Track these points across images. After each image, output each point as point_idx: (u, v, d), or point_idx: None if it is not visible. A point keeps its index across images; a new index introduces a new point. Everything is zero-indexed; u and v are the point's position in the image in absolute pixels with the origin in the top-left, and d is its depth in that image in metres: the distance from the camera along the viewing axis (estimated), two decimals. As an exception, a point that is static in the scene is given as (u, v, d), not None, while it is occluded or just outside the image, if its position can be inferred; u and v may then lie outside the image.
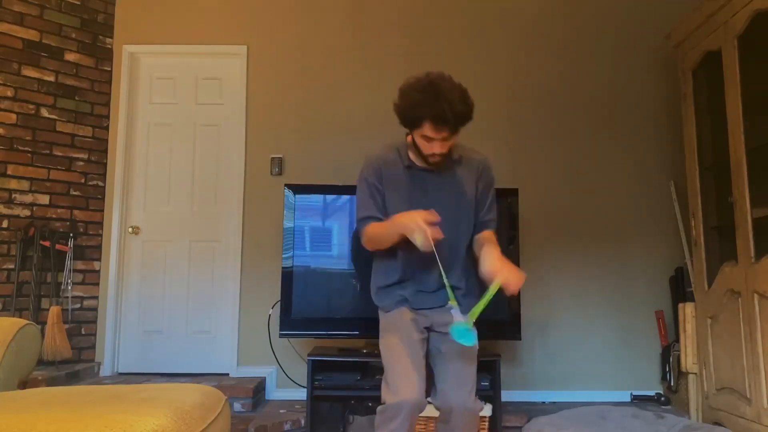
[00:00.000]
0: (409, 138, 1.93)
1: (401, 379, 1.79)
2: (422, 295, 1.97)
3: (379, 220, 1.91)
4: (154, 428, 1.24)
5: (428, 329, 1.98)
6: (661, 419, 2.80)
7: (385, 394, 1.81)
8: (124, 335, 3.71)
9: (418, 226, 1.68)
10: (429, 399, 1.85)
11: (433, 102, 1.73)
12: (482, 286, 1.85)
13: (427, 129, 1.78)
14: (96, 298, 3.70)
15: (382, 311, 2.03)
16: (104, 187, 3.80)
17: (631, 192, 3.76)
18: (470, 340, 1.69)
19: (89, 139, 3.76)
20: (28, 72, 3.55)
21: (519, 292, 3.19)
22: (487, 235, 1.96)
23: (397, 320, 1.95)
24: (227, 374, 3.61)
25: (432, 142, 1.82)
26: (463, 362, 1.87)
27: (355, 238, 3.25)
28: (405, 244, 1.82)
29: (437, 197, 1.92)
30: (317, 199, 3.29)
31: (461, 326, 1.70)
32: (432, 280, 1.94)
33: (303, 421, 3.03)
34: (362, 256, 3.25)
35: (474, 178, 1.99)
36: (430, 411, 2.68)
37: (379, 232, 1.88)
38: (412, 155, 1.95)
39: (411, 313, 1.95)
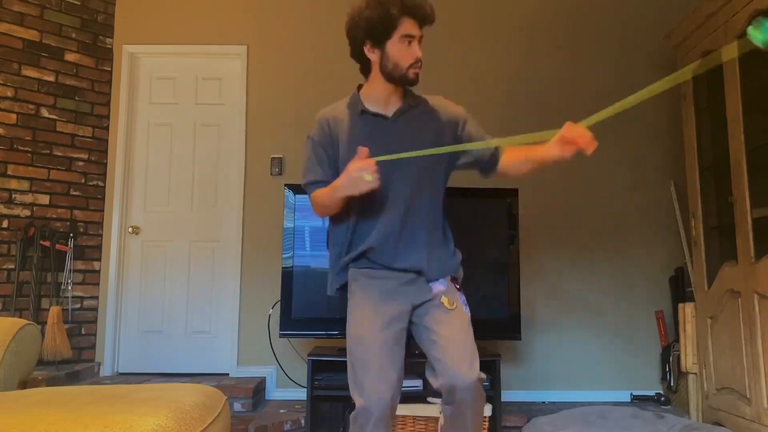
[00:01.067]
0: (365, 89, 1.79)
1: (370, 377, 1.62)
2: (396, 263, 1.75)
3: (326, 184, 1.71)
4: (154, 428, 1.24)
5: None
6: (661, 419, 2.80)
7: (354, 396, 1.64)
8: (124, 335, 3.71)
9: (356, 170, 1.54)
10: (429, 378, 1.70)
11: None
12: (455, 257, 1.81)
13: (407, 25, 1.67)
14: (96, 298, 3.70)
15: (349, 292, 1.80)
16: (104, 187, 3.80)
17: (631, 192, 3.76)
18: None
19: (89, 139, 3.76)
20: (28, 72, 3.55)
21: (518, 293, 3.23)
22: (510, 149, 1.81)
23: (368, 301, 1.73)
24: (227, 374, 3.61)
25: (412, 44, 1.69)
26: (457, 332, 1.68)
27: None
28: (359, 204, 1.70)
29: (399, 147, 1.68)
30: (317, 199, 3.28)
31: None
32: (406, 243, 1.74)
33: (303, 421, 3.03)
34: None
35: (445, 126, 1.80)
36: (431, 411, 2.69)
37: (323, 199, 1.71)
38: (366, 101, 1.78)
39: (394, 278, 1.74)
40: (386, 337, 1.66)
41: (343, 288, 1.84)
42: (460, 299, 1.76)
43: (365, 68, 1.79)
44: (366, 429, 1.59)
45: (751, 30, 1.31)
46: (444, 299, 1.72)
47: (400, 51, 1.69)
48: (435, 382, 1.68)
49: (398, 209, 1.73)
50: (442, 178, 1.83)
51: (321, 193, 1.72)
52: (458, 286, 1.81)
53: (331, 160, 1.77)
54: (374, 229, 1.74)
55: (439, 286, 1.74)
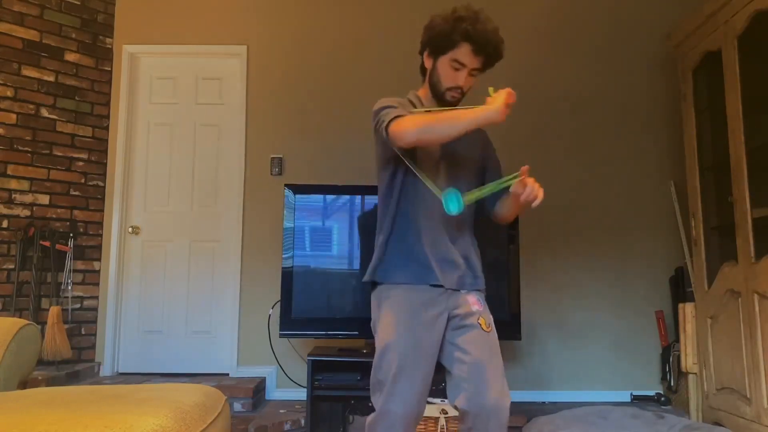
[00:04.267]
0: (420, 92, 1.81)
1: (402, 384, 1.57)
2: (446, 266, 1.69)
3: None
4: (154, 428, 1.24)
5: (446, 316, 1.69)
6: (661, 419, 2.80)
7: (377, 401, 1.60)
8: (124, 335, 3.71)
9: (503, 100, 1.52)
10: (447, 401, 1.65)
11: (475, 22, 1.62)
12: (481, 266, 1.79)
13: (463, 52, 1.65)
14: (96, 298, 3.70)
15: (384, 288, 1.71)
16: (104, 187, 3.80)
17: (631, 192, 3.76)
18: (454, 205, 1.49)
19: (89, 139, 3.76)
20: (28, 72, 3.55)
21: (518, 293, 3.23)
22: None
23: (408, 301, 1.65)
24: (227, 374, 3.61)
25: (460, 72, 1.68)
26: (493, 356, 1.62)
27: (363, 231, 3.24)
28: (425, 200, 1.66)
29: (456, 149, 1.71)
30: (317, 199, 3.29)
31: (452, 192, 1.49)
32: (457, 244, 1.71)
33: (303, 421, 3.03)
34: (367, 251, 3.25)
35: (478, 138, 1.84)
36: (431, 411, 2.69)
37: (444, 116, 1.54)
38: (426, 103, 1.78)
39: (429, 292, 1.66)
40: (421, 341, 1.61)
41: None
42: (492, 321, 1.71)
43: (422, 71, 1.82)
44: None
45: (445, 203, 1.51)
46: (482, 320, 1.67)
47: (446, 71, 1.71)
48: (458, 402, 1.60)
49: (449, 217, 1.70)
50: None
51: (440, 117, 1.56)
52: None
53: None
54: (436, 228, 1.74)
55: (477, 305, 1.69)
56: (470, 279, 1.73)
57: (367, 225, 3.25)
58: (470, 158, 1.79)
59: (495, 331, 1.70)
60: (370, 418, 1.62)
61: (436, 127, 1.53)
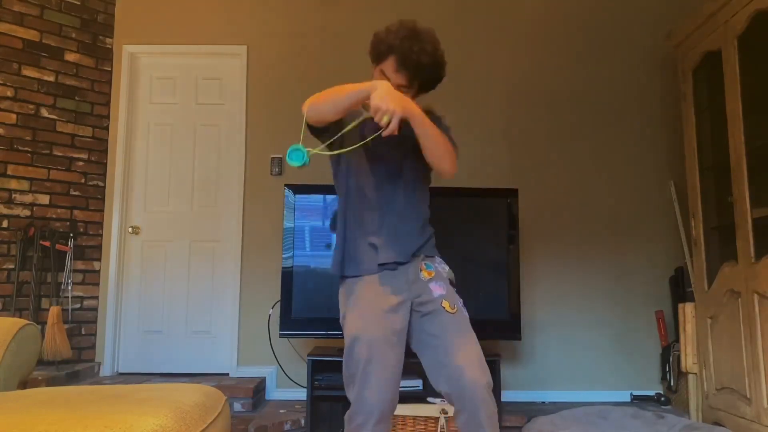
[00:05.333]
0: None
1: (371, 375, 1.60)
2: (390, 242, 1.71)
3: None
4: (154, 428, 1.24)
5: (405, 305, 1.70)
6: (661, 419, 2.80)
7: (351, 394, 1.63)
8: (124, 335, 3.71)
9: (392, 97, 1.48)
10: (436, 386, 1.63)
11: (404, 38, 1.64)
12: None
13: (389, 66, 1.67)
14: (96, 298, 3.70)
15: (348, 281, 1.75)
16: (104, 187, 3.80)
17: (631, 192, 3.76)
18: (297, 158, 1.51)
19: (89, 139, 3.76)
20: (28, 72, 3.55)
21: (518, 293, 3.23)
22: None
23: (371, 292, 1.69)
24: (227, 374, 3.61)
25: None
26: (463, 336, 1.65)
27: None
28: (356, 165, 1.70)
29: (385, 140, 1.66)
30: (317, 199, 3.29)
31: (296, 148, 1.51)
32: (393, 212, 1.73)
33: (303, 421, 3.03)
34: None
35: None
36: (431, 411, 2.69)
37: (331, 93, 1.59)
38: None
39: (388, 279, 1.70)
40: (387, 332, 1.64)
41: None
42: (459, 303, 1.73)
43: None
44: (365, 429, 1.58)
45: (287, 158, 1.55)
46: (445, 303, 1.69)
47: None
48: (441, 387, 1.63)
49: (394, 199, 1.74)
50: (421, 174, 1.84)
51: (332, 89, 1.61)
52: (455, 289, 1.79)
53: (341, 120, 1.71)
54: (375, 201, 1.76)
55: (438, 290, 1.71)
56: (416, 247, 1.74)
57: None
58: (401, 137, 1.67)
59: (462, 310, 1.72)
60: (348, 412, 1.64)
61: (320, 103, 1.60)
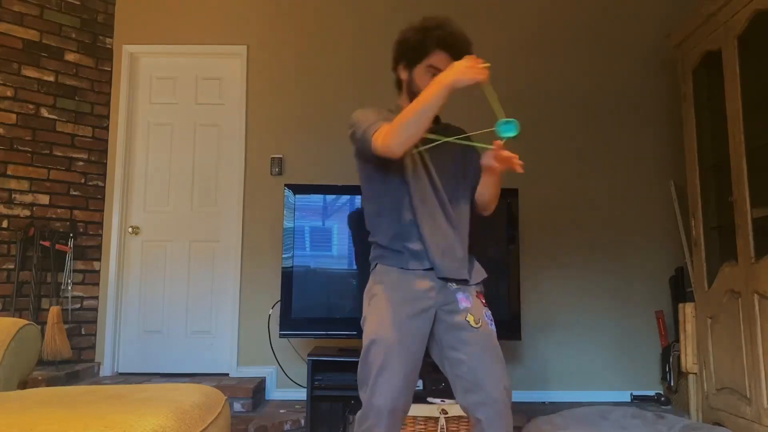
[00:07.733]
0: (401, 101, 1.82)
1: (387, 377, 1.60)
2: (447, 257, 1.72)
3: None
4: (154, 428, 1.24)
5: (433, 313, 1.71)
6: (661, 419, 2.80)
7: (364, 395, 1.64)
8: (124, 335, 3.71)
9: (467, 66, 1.59)
10: (447, 401, 1.72)
11: (442, 27, 1.73)
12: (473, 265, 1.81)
13: (437, 57, 1.73)
14: (96, 298, 3.70)
15: (377, 271, 1.76)
16: (104, 187, 3.80)
17: (631, 192, 3.76)
18: (510, 129, 1.62)
19: (89, 139, 3.76)
20: (28, 72, 3.55)
21: (518, 293, 3.23)
22: None
23: (397, 295, 1.69)
24: (227, 374, 3.61)
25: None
26: (485, 350, 1.65)
27: (356, 231, 3.24)
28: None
29: (437, 161, 1.77)
30: (317, 199, 3.29)
31: (506, 121, 1.59)
32: (451, 237, 1.74)
33: (303, 421, 3.03)
34: (363, 255, 3.25)
35: (471, 150, 1.86)
36: (431, 411, 2.69)
37: (412, 106, 1.58)
38: None
39: (421, 282, 1.70)
40: (406, 337, 1.64)
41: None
42: (486, 316, 1.73)
43: (398, 84, 1.87)
44: (377, 431, 1.59)
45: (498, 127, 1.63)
46: (470, 317, 1.69)
47: (423, 78, 1.75)
48: (461, 402, 1.66)
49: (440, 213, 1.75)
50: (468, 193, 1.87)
51: (405, 111, 1.59)
52: (484, 302, 1.78)
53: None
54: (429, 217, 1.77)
55: (465, 302, 1.71)
56: (465, 271, 1.75)
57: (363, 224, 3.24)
58: (452, 169, 1.82)
59: (489, 325, 1.72)
60: (359, 413, 1.66)
61: (410, 122, 1.57)
